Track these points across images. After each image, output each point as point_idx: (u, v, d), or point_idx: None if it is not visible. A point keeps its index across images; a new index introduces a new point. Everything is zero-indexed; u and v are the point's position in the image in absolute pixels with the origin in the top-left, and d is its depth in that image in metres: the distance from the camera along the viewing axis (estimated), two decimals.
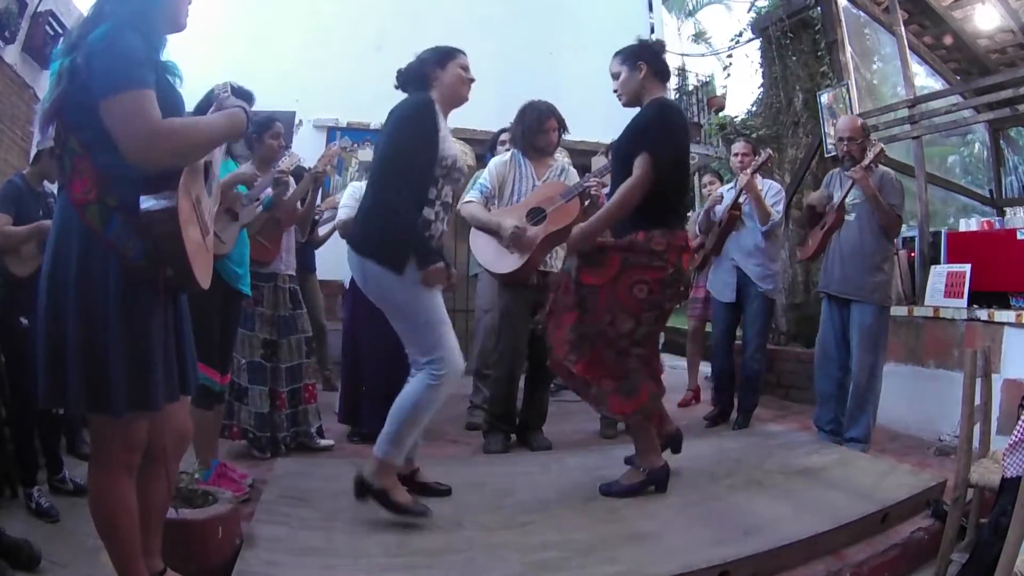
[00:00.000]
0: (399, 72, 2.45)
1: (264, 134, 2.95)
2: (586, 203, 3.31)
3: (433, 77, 2.38)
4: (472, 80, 2.44)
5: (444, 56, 2.40)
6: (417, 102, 2.32)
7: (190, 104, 1.97)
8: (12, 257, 2.57)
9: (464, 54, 2.45)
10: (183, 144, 1.46)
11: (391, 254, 2.19)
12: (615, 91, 2.64)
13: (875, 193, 3.23)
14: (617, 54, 2.65)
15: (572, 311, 2.51)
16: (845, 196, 3.34)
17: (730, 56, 6.66)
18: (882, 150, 3.31)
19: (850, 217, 3.38)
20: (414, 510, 2.20)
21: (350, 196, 3.56)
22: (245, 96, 2.14)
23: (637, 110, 2.60)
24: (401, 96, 2.44)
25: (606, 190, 3.76)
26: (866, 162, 3.24)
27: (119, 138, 1.38)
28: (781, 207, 4.03)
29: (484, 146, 4.39)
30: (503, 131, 3.90)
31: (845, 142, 3.36)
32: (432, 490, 2.47)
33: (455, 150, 2.39)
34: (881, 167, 3.41)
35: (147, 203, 1.41)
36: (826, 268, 3.52)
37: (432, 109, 2.30)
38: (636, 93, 2.59)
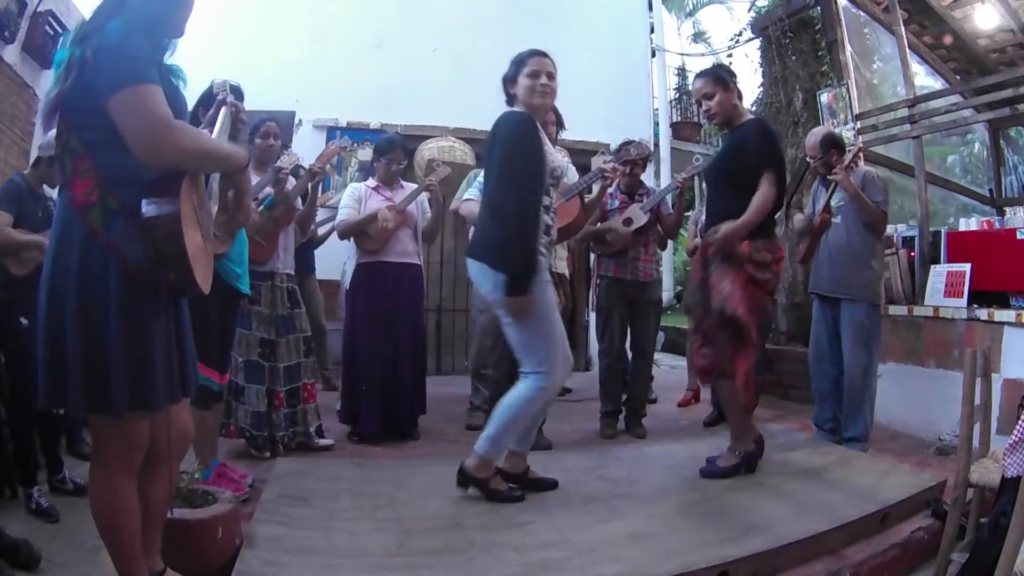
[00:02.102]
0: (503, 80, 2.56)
1: (254, 136, 2.97)
2: (592, 196, 3.31)
3: (513, 95, 2.51)
4: (544, 85, 2.46)
5: (514, 71, 2.49)
6: (515, 122, 2.43)
7: (191, 104, 1.97)
8: (11, 259, 2.56)
9: (536, 57, 2.48)
10: (191, 145, 1.46)
11: (521, 281, 2.31)
12: (708, 111, 2.78)
13: (858, 192, 3.31)
14: (706, 74, 2.83)
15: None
16: (829, 199, 3.41)
17: (730, 56, 6.67)
18: (860, 149, 3.50)
19: (836, 219, 3.46)
20: (512, 496, 2.43)
21: (350, 197, 3.55)
22: (234, 92, 2.13)
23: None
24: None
25: (611, 188, 3.77)
26: (846, 162, 3.35)
27: (128, 131, 1.37)
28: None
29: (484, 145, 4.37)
30: None
31: (810, 160, 3.58)
32: (543, 484, 2.60)
33: (559, 159, 2.54)
34: (863, 166, 3.53)
35: (149, 207, 1.41)
36: (816, 269, 3.58)
37: (531, 124, 2.42)
38: (730, 113, 2.77)
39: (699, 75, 2.88)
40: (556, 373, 2.41)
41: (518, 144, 2.38)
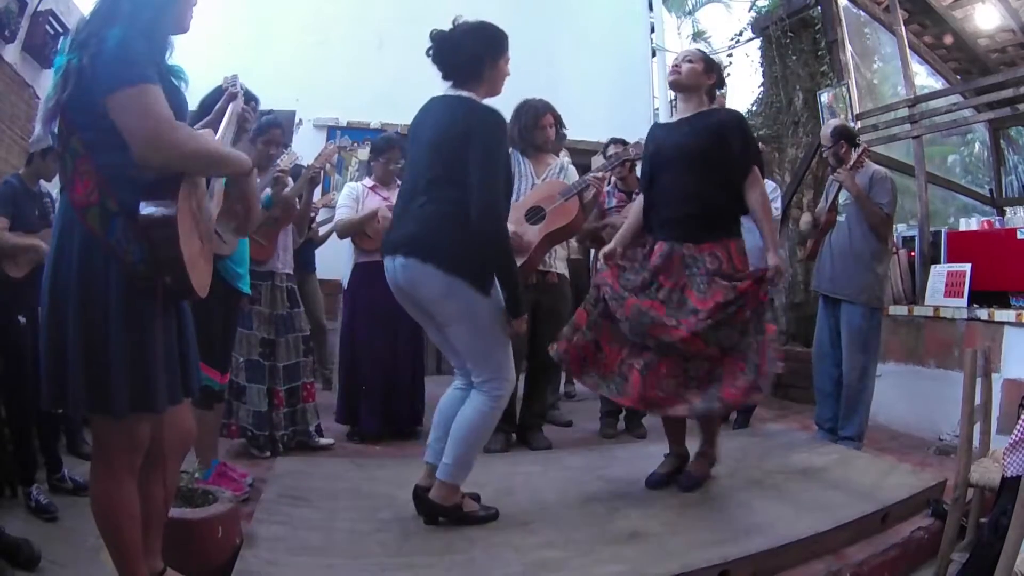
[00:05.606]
0: (440, 43, 2.29)
1: (258, 138, 2.97)
2: (586, 200, 3.31)
3: (487, 72, 2.24)
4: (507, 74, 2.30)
5: (499, 50, 2.25)
6: (501, 124, 2.20)
7: (194, 103, 1.97)
8: (8, 261, 2.56)
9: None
10: (191, 146, 1.45)
11: (484, 275, 2.10)
12: (677, 68, 2.63)
13: (860, 193, 3.28)
14: (700, 52, 2.75)
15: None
16: (836, 197, 3.39)
17: (730, 55, 6.66)
18: (864, 149, 3.39)
19: (841, 218, 3.43)
20: (487, 516, 2.25)
21: (348, 196, 3.56)
22: (250, 98, 2.13)
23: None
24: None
25: (609, 187, 3.78)
26: (850, 163, 3.31)
27: (128, 131, 1.37)
28: (779, 203, 4.03)
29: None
30: None
31: (823, 149, 3.53)
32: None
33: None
34: (873, 166, 3.45)
35: (146, 209, 1.40)
36: (818, 268, 3.57)
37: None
38: (691, 87, 2.62)
39: (698, 50, 2.80)
40: (512, 376, 2.22)
41: (503, 150, 2.17)
